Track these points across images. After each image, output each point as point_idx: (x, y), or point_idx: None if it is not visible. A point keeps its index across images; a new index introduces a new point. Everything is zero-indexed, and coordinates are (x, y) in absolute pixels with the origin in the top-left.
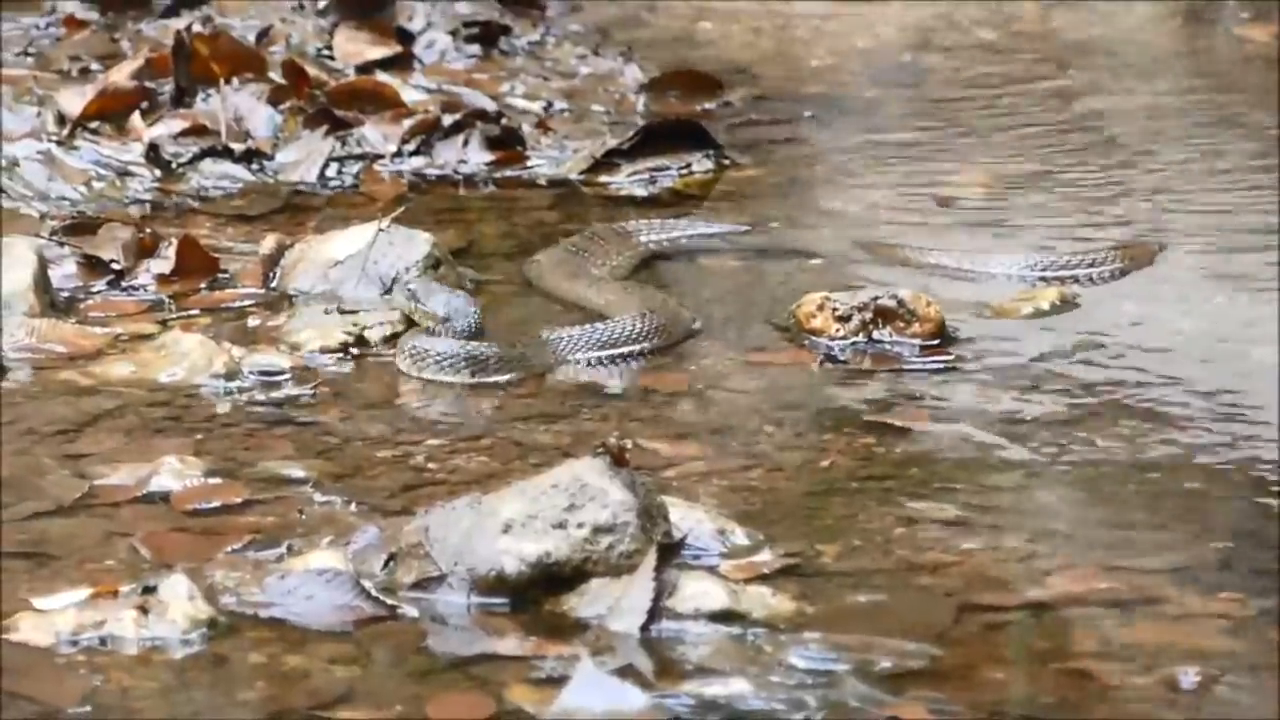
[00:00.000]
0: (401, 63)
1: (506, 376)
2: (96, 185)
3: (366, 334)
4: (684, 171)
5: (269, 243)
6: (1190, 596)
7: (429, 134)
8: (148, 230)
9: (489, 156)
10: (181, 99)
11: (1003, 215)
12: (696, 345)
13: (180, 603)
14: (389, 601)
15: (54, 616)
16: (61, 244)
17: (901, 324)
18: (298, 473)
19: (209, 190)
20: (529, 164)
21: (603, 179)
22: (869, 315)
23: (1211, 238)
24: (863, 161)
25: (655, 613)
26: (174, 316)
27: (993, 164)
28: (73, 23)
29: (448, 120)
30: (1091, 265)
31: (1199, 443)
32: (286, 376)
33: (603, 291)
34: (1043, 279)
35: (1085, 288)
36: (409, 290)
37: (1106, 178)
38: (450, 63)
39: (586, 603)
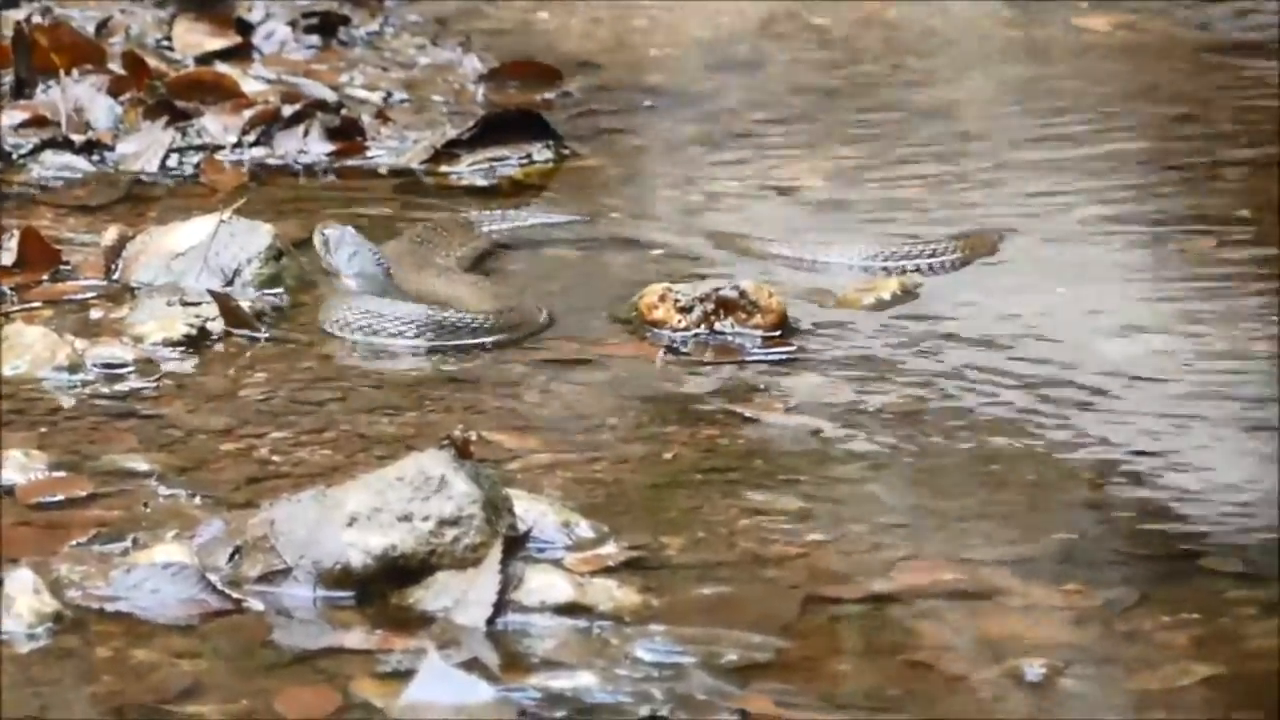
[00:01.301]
0: (241, 54)
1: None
2: None
3: (209, 326)
4: (524, 161)
5: (111, 234)
6: (1034, 588)
7: (269, 125)
8: None
9: (329, 147)
10: (22, 90)
11: (844, 204)
12: (539, 337)
13: (26, 597)
14: (234, 595)
15: None
16: None
17: (743, 315)
18: (142, 466)
19: (50, 181)
20: (369, 154)
21: (443, 169)
22: (711, 306)
23: (1053, 226)
24: (703, 151)
25: (501, 606)
26: (16, 309)
27: (833, 153)
28: None
29: (288, 111)
30: (932, 255)
31: (1039, 434)
32: (130, 369)
33: (451, 283)
34: (884, 269)
35: (926, 277)
36: (323, 235)
37: (947, 166)
38: (289, 53)
39: (433, 596)
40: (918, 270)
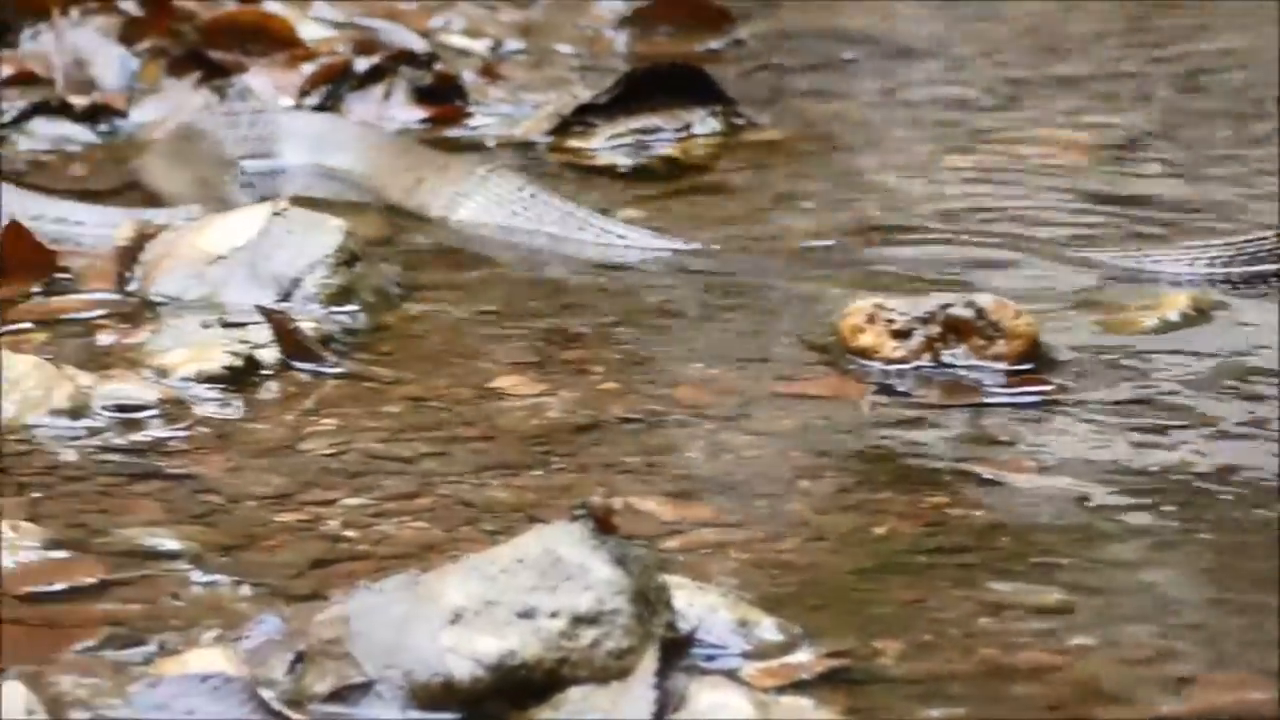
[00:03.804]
0: None
1: None
2: None
3: (258, 354)
4: (682, 134)
5: (125, 231)
6: None
7: (337, 83)
8: None
9: (419, 113)
10: (2, 37)
11: (1118, 189)
12: (705, 371)
13: (15, 718)
14: (297, 717)
15: None
16: None
17: (981, 341)
18: (170, 543)
19: (41, 158)
20: (473, 123)
21: (573, 144)
22: (936, 330)
23: None
24: (921, 119)
25: None
26: None
27: (1091, 122)
28: None
29: (362, 65)
30: (1251, 260)
31: None
32: (152, 413)
33: None
34: (1216, 280)
35: (1231, 292)
36: None
37: (1243, 137)
38: None
39: (564, 718)
40: (1232, 283)
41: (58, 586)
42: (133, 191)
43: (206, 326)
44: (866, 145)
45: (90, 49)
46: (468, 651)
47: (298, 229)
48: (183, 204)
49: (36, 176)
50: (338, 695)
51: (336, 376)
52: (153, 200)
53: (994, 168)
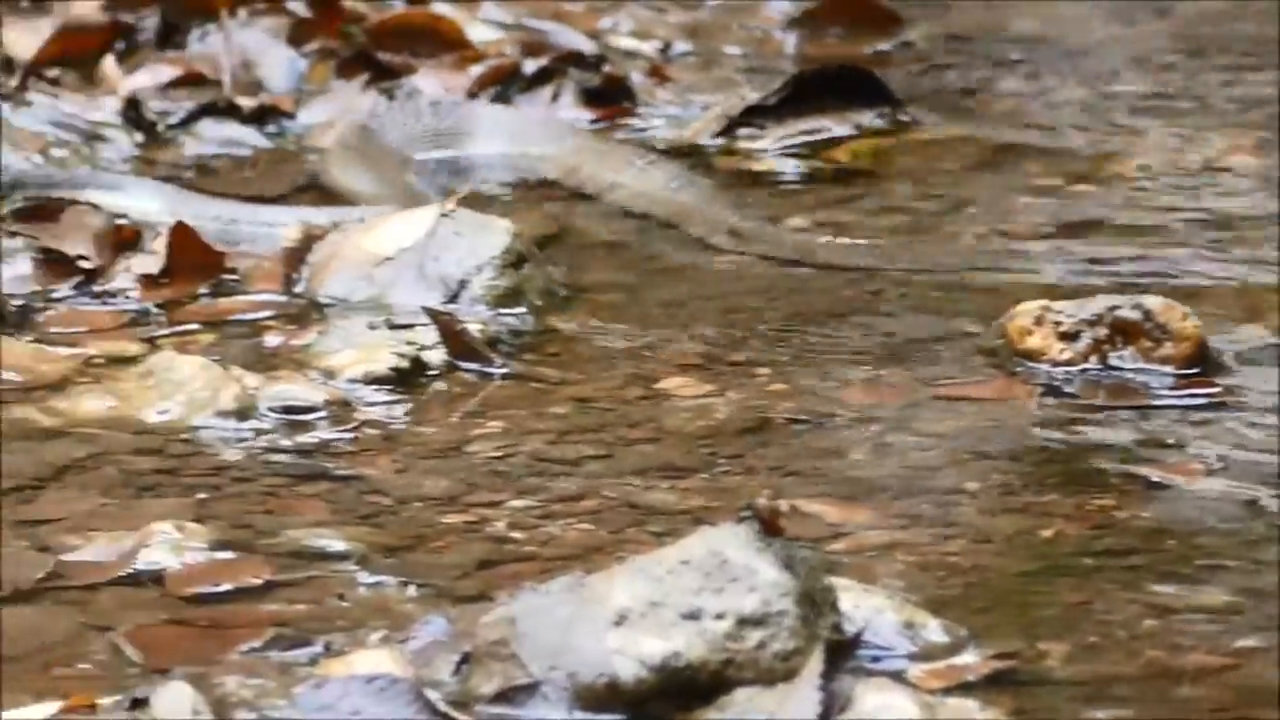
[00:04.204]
0: None
1: None
2: (56, 153)
3: (425, 356)
4: (850, 136)
5: (293, 233)
6: None
7: (505, 85)
8: (127, 215)
9: (587, 114)
10: (170, 37)
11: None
12: (872, 373)
13: (182, 718)
14: (462, 718)
15: None
16: (12, 234)
17: (1148, 344)
18: (336, 545)
19: (209, 160)
20: (640, 125)
21: (741, 145)
22: (1103, 332)
23: None
24: (1090, 119)
25: None
26: (165, 333)
27: (1263, 120)
28: None
29: (530, 67)
30: None
31: None
32: (319, 414)
33: None
34: None
35: None
36: None
37: None
38: None
39: (729, 719)
40: None
41: (224, 587)
42: (303, 193)
43: (373, 328)
44: (1035, 148)
45: (258, 50)
46: (633, 653)
47: (465, 230)
48: (372, 203)
49: (204, 178)
50: (503, 696)
51: (503, 378)
52: (338, 200)
53: (1166, 167)
